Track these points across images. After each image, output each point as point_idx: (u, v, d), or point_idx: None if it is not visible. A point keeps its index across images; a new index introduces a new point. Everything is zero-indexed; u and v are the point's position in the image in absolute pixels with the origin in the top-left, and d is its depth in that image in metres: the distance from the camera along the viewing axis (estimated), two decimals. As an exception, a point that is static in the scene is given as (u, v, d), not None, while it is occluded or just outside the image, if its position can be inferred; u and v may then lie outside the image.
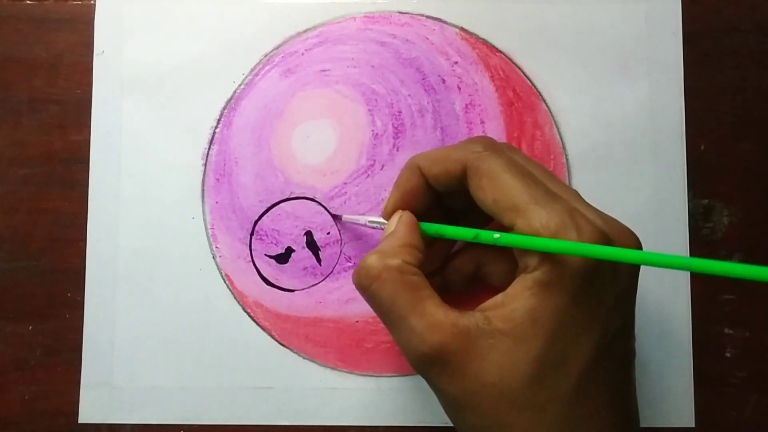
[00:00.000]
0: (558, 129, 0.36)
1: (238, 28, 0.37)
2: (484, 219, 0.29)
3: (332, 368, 0.35)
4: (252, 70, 0.37)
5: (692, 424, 0.34)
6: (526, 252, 0.25)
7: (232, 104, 0.36)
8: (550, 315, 0.24)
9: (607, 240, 0.25)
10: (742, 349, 0.35)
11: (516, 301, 0.25)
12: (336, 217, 0.36)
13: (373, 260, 0.27)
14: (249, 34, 0.37)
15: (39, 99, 0.37)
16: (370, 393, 0.35)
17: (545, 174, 0.28)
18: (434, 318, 0.25)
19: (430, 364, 0.25)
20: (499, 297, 0.26)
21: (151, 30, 0.37)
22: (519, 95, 0.36)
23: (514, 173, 0.26)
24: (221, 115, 0.36)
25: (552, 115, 0.36)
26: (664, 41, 0.36)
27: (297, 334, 0.35)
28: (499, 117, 0.36)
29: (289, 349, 0.35)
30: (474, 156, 0.27)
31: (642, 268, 0.30)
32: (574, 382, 0.24)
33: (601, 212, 0.27)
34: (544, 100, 0.36)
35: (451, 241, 0.32)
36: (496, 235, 0.26)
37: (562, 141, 0.36)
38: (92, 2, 0.37)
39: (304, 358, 0.35)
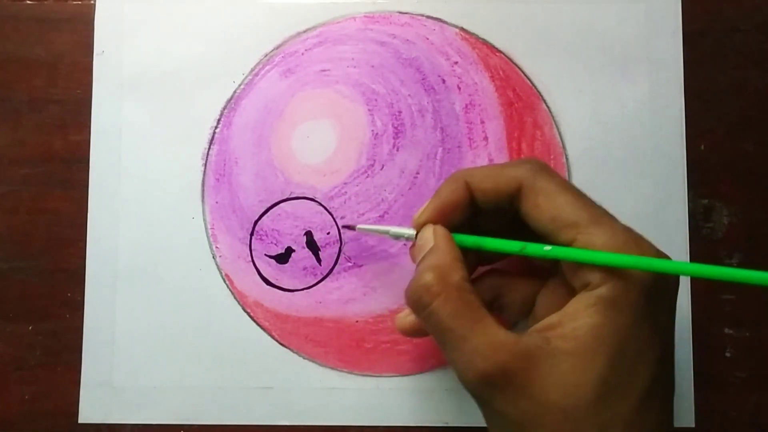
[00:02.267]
0: (558, 129, 0.36)
1: (238, 28, 0.37)
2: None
3: (332, 368, 0.35)
4: (252, 70, 0.37)
5: (692, 424, 0.34)
6: (587, 269, 0.25)
7: (232, 104, 0.36)
8: (615, 333, 0.24)
9: (665, 258, 0.25)
10: (742, 349, 0.35)
11: (578, 320, 0.25)
12: (348, 228, 0.34)
13: (430, 278, 0.26)
14: (249, 34, 0.37)
15: (39, 99, 0.37)
16: (370, 393, 0.35)
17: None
18: (496, 337, 0.25)
19: (491, 385, 0.25)
20: (554, 317, 0.26)
21: (151, 30, 0.37)
22: (519, 95, 0.36)
23: (572, 192, 0.26)
24: (221, 115, 0.36)
25: (552, 115, 0.36)
26: (664, 41, 0.36)
27: (297, 334, 0.35)
28: (499, 117, 0.36)
29: (289, 349, 0.35)
30: (530, 174, 0.27)
31: None
32: (636, 403, 0.24)
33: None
34: (544, 100, 0.36)
35: (471, 267, 0.31)
36: (547, 247, 0.26)
37: (562, 141, 0.36)
38: (92, 2, 0.37)
39: (304, 358, 0.35)
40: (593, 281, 0.25)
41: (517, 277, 0.30)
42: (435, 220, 0.29)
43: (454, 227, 0.29)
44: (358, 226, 0.33)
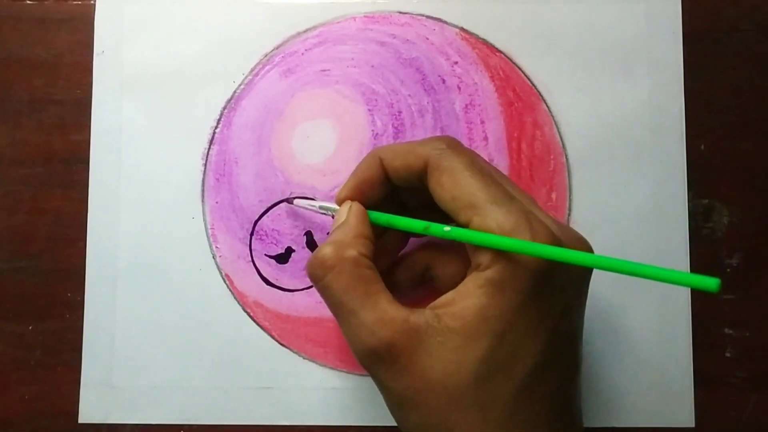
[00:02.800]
0: (558, 129, 0.36)
1: (238, 28, 0.37)
2: (437, 219, 0.28)
3: (332, 368, 0.35)
4: (252, 70, 0.37)
5: (692, 424, 0.34)
6: (479, 250, 0.25)
7: (232, 104, 0.36)
8: (500, 315, 0.24)
9: (559, 243, 0.25)
10: (742, 349, 0.35)
11: (467, 299, 0.25)
12: (288, 201, 0.35)
13: (328, 251, 0.27)
14: (249, 34, 0.37)
15: (39, 99, 0.37)
16: (370, 393, 0.35)
17: (504, 178, 0.29)
18: (386, 313, 0.25)
19: (377, 360, 0.25)
20: (450, 294, 0.26)
21: (151, 30, 0.37)
22: (519, 95, 0.36)
23: (474, 172, 0.26)
24: (221, 115, 0.36)
25: (552, 115, 0.36)
26: (664, 41, 0.36)
27: (297, 334, 0.35)
28: (499, 117, 0.36)
29: (289, 349, 0.35)
30: (437, 152, 0.27)
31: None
32: (518, 384, 0.25)
33: (556, 219, 0.27)
34: (544, 100, 0.36)
35: (401, 240, 0.32)
36: (447, 228, 0.26)
37: (562, 141, 0.36)
38: (92, 2, 0.37)
39: (304, 358, 0.35)
40: (483, 262, 0.25)
41: (449, 250, 0.31)
42: (354, 197, 0.30)
43: (376, 202, 0.30)
44: (296, 200, 0.35)
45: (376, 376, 0.26)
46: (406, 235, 0.31)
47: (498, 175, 0.28)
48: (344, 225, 0.28)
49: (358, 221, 0.28)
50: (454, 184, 0.26)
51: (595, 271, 0.34)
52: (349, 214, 0.29)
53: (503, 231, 0.25)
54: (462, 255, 0.30)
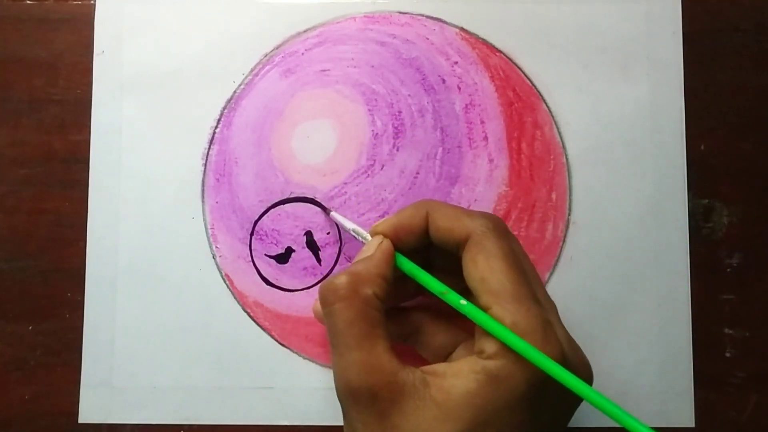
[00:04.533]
0: (558, 129, 0.36)
1: (238, 28, 0.37)
2: (455, 288, 0.28)
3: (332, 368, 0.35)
4: (252, 70, 0.37)
5: (692, 424, 0.34)
6: (488, 338, 0.26)
7: (232, 104, 0.36)
8: (485, 405, 0.24)
9: (565, 363, 0.25)
10: (742, 349, 0.35)
11: (458, 378, 0.25)
12: (325, 210, 0.35)
13: (344, 281, 0.27)
14: (249, 34, 0.37)
15: (39, 99, 0.37)
16: (370, 393, 0.35)
17: (536, 278, 0.29)
18: (378, 360, 0.26)
19: (355, 400, 0.26)
20: (442, 366, 0.26)
21: (151, 30, 0.37)
22: (519, 95, 0.36)
23: (510, 263, 0.26)
24: (221, 115, 0.36)
25: (552, 115, 0.36)
26: (664, 41, 0.36)
27: (297, 334, 0.35)
28: (499, 117, 0.36)
29: (289, 349, 0.35)
30: (482, 231, 0.27)
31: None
32: None
33: (571, 337, 0.27)
34: (544, 100, 0.36)
35: (411, 292, 0.32)
36: (463, 301, 0.27)
37: (562, 141, 0.36)
38: (92, 2, 0.37)
39: (304, 358, 0.35)
40: (486, 351, 0.25)
41: (443, 321, 0.31)
42: (390, 235, 0.30)
43: (407, 249, 0.30)
44: (332, 212, 0.35)
45: (348, 414, 0.26)
46: (419, 289, 0.31)
47: (532, 274, 0.28)
48: (369, 259, 0.28)
49: (383, 261, 0.28)
50: (487, 268, 0.26)
51: (596, 263, 0.35)
52: (377, 249, 0.29)
53: (517, 330, 0.25)
54: (453, 332, 0.30)
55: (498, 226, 0.28)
